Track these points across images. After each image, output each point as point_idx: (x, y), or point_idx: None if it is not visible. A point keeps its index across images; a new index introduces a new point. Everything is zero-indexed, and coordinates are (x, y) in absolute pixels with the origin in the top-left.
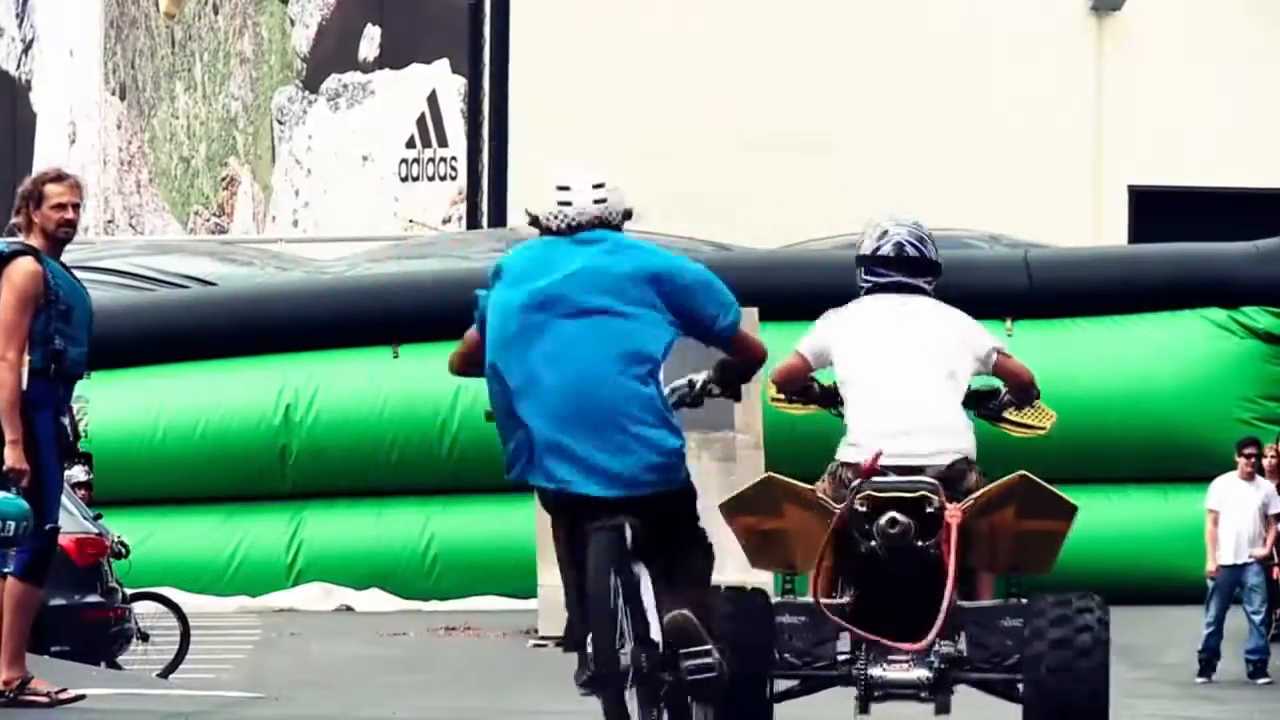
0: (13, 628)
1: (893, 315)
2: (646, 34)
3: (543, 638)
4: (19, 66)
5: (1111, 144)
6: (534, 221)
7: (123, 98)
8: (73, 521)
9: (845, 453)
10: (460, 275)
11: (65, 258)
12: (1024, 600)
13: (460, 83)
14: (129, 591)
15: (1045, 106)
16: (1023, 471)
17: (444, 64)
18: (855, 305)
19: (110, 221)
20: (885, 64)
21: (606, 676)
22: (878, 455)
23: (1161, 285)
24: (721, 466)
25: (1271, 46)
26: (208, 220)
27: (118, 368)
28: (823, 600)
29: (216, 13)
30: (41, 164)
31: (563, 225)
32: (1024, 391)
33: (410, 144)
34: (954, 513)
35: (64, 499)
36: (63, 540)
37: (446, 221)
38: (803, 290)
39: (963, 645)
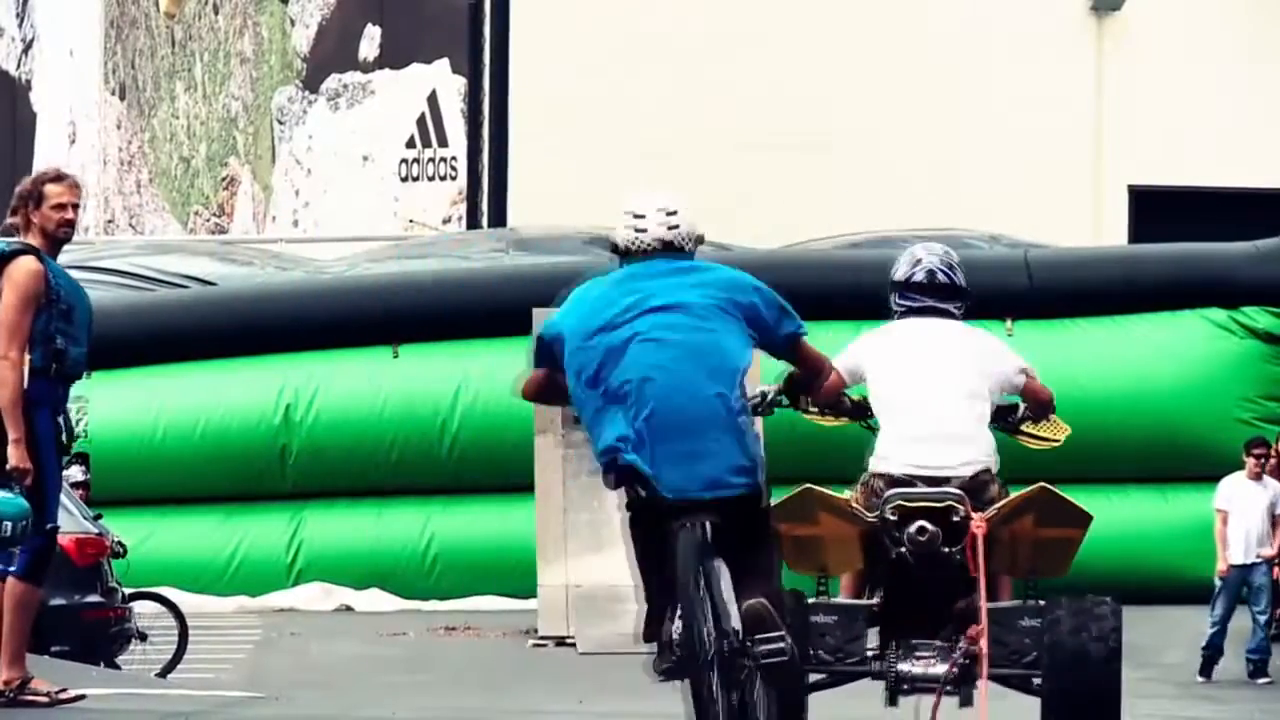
0: (13, 628)
1: (923, 337)
2: (646, 34)
3: (543, 638)
4: (19, 66)
5: (1111, 144)
6: (613, 248)
7: (123, 97)
8: (72, 521)
9: (876, 464)
10: (460, 275)
11: (65, 258)
12: (1042, 602)
13: (460, 83)
14: (126, 591)
15: (1045, 106)
16: (1042, 483)
17: (444, 64)
18: (889, 327)
19: (110, 221)
20: (885, 64)
21: (694, 661)
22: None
23: (1162, 285)
24: None
25: (1271, 46)
26: (208, 220)
27: (118, 368)
28: (853, 601)
29: (217, 13)
30: (41, 164)
31: (639, 249)
32: (1042, 408)
33: (410, 144)
34: (979, 522)
35: (64, 499)
36: (63, 540)
37: (446, 221)
38: (803, 290)
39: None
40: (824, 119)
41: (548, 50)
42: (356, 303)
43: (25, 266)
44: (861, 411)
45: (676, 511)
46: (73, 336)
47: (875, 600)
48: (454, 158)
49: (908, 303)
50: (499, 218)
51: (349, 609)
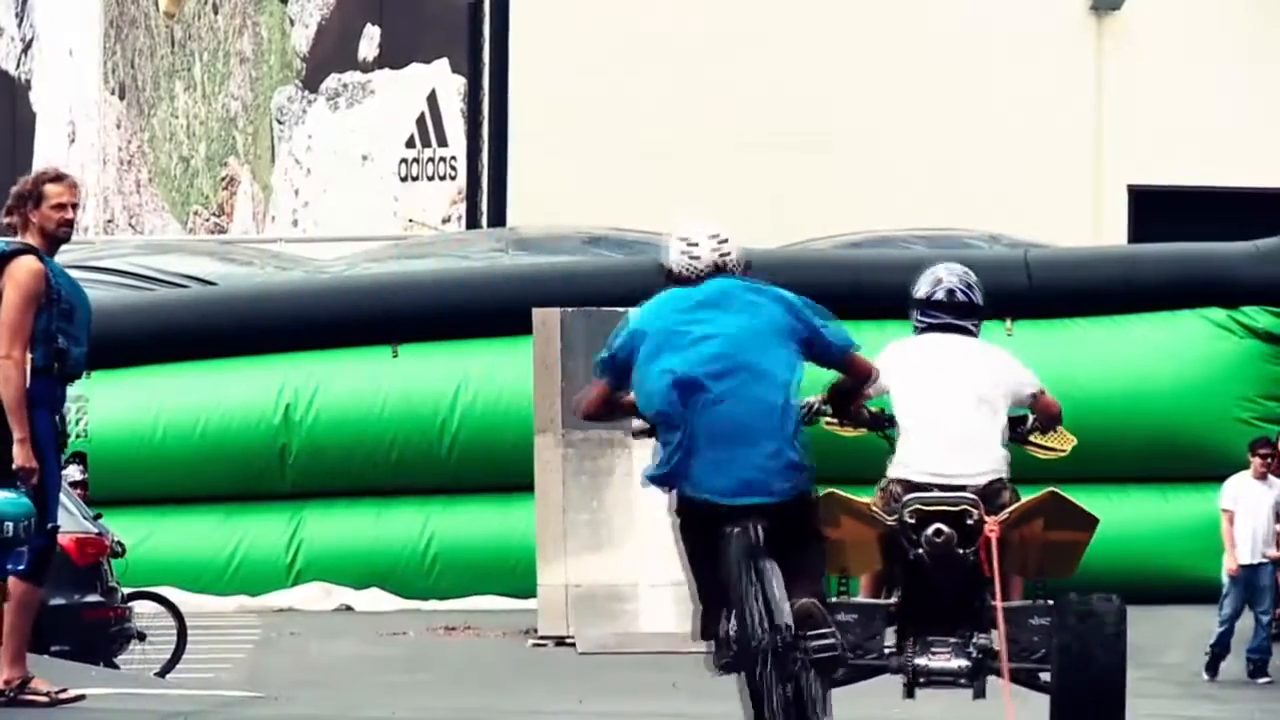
0: (14, 627)
1: (943, 352)
2: (646, 34)
3: (542, 637)
4: (18, 66)
5: (1111, 144)
6: (667, 274)
7: (122, 97)
8: (73, 521)
9: (896, 471)
10: (460, 275)
11: (64, 257)
12: (1050, 601)
13: (460, 82)
14: (125, 591)
15: (1045, 106)
16: (1051, 489)
17: (444, 64)
18: (910, 342)
19: (110, 221)
20: (885, 64)
21: (749, 655)
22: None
23: (1161, 285)
24: None
25: (1271, 46)
26: (207, 220)
27: (117, 367)
28: (872, 600)
29: (216, 12)
30: (41, 163)
31: (692, 274)
32: (1051, 420)
33: (410, 144)
34: (993, 526)
35: (64, 498)
36: (63, 540)
37: (446, 221)
38: (802, 290)
39: (996, 639)
40: (824, 119)
41: (548, 50)
42: (356, 302)
43: (27, 266)
44: (878, 422)
45: (730, 516)
46: (73, 336)
47: (893, 599)
48: (454, 157)
49: (928, 319)
50: (499, 217)
51: (349, 609)
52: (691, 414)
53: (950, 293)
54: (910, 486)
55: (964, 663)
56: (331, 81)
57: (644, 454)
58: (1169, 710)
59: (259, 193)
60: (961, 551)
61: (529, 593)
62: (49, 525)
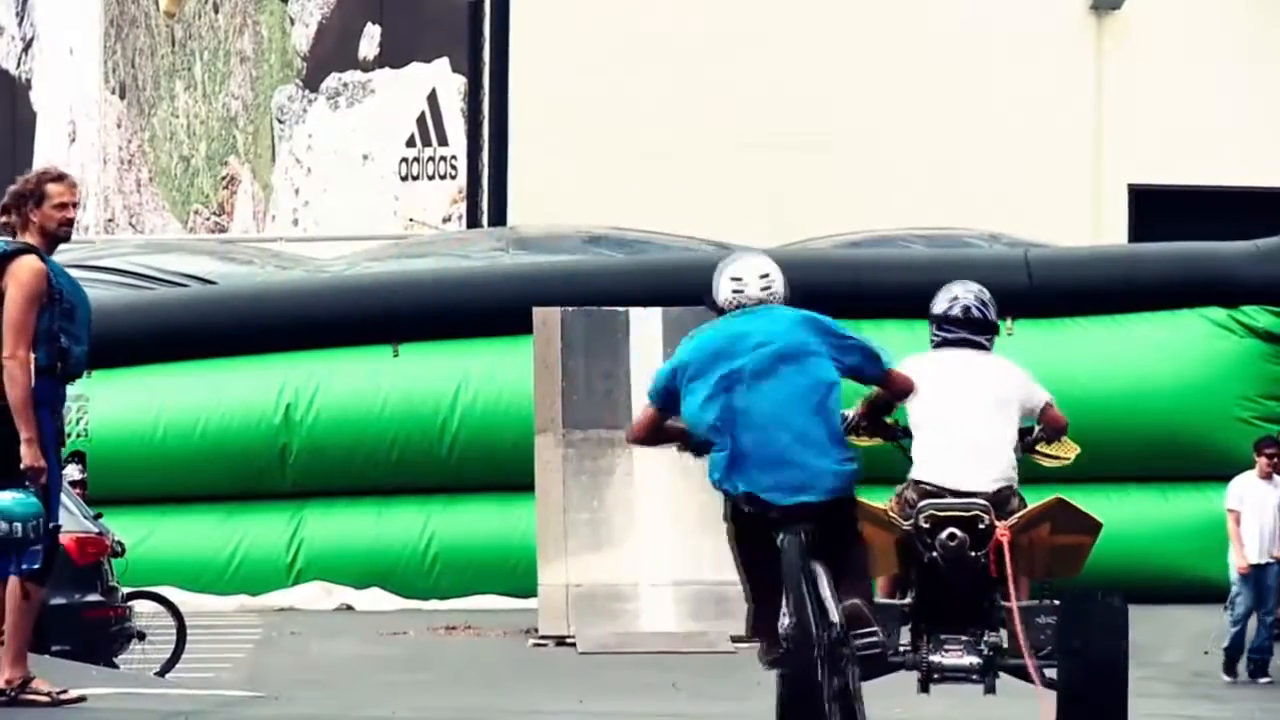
0: (15, 627)
1: (958, 366)
2: (646, 34)
3: (543, 637)
4: (19, 65)
5: (1111, 144)
6: (713, 306)
7: (122, 96)
8: (73, 521)
9: (912, 478)
10: (460, 274)
11: (64, 257)
12: (1056, 600)
13: (460, 82)
14: (125, 590)
15: (1045, 106)
16: (1058, 495)
17: (444, 63)
18: (927, 356)
19: (110, 220)
20: (885, 64)
21: (806, 650)
22: None
23: (1162, 284)
24: None
25: (1272, 46)
26: (208, 219)
27: (118, 366)
28: (889, 600)
29: (216, 11)
30: (41, 163)
31: (736, 308)
32: (1057, 432)
33: (410, 143)
34: (1003, 530)
35: (64, 498)
36: (63, 539)
37: (446, 220)
38: (802, 290)
39: (1005, 638)
40: (824, 119)
41: (548, 50)
42: (356, 302)
43: (29, 265)
44: (892, 433)
45: (781, 521)
46: (75, 335)
47: (908, 600)
48: (454, 157)
49: (944, 334)
50: (499, 217)
51: (349, 608)
52: (740, 423)
53: (966, 309)
54: (925, 493)
55: (975, 660)
56: (332, 81)
57: (644, 453)
58: (1169, 710)
59: (259, 192)
60: (973, 554)
61: (529, 592)
62: (51, 525)
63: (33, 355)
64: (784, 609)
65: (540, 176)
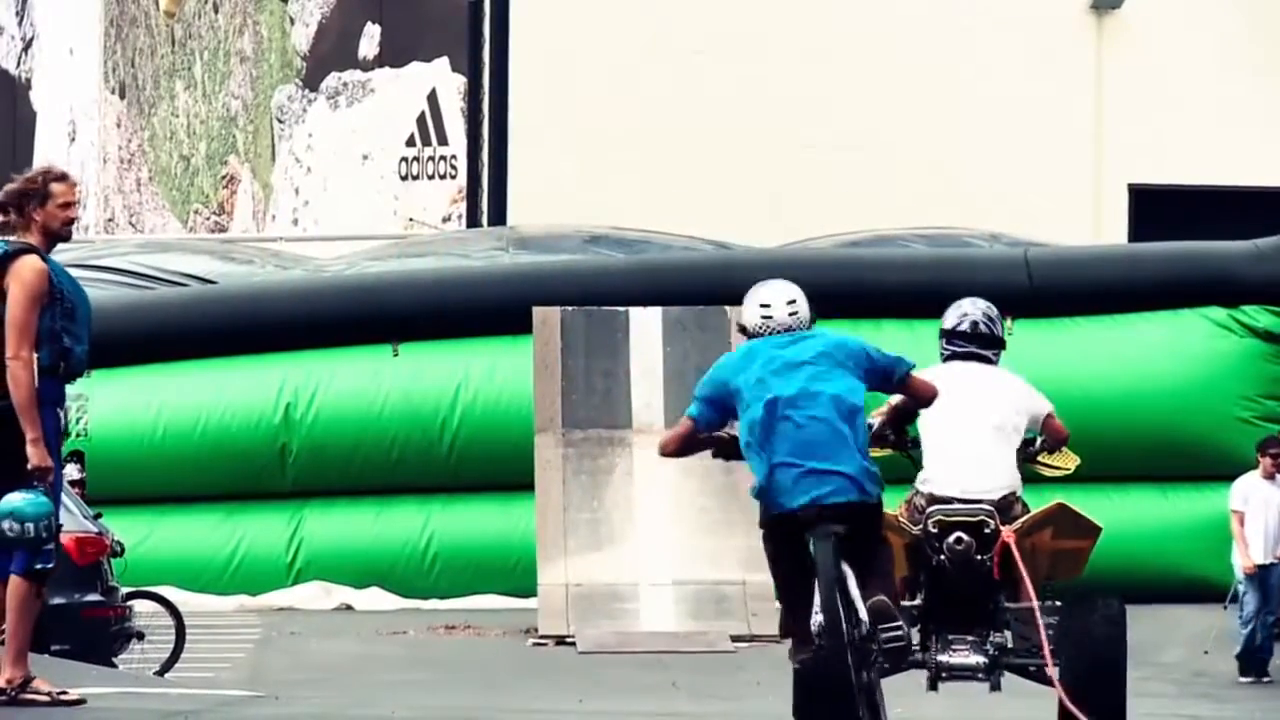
0: (15, 627)
1: (966, 379)
2: (646, 34)
3: (542, 636)
4: (19, 65)
5: (1111, 144)
6: (743, 329)
7: (122, 96)
8: (73, 520)
9: (921, 485)
10: (460, 274)
11: (64, 256)
12: (1058, 602)
13: (460, 81)
14: (124, 590)
15: (1045, 106)
16: (1059, 500)
17: (444, 62)
18: (936, 369)
19: (110, 220)
20: (885, 64)
21: (837, 646)
22: None
23: (1162, 284)
24: (725, 466)
25: (1271, 47)
26: (208, 219)
27: (118, 366)
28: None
29: (216, 11)
30: (41, 162)
31: (766, 333)
32: (1058, 443)
33: (410, 142)
34: (1008, 534)
35: (65, 498)
36: (63, 539)
37: (446, 220)
38: (803, 290)
39: (1009, 638)
40: (824, 119)
41: (548, 50)
42: (356, 301)
43: (31, 265)
44: (901, 444)
45: (811, 524)
46: (76, 335)
47: (917, 601)
48: (454, 156)
49: (953, 348)
50: (499, 216)
51: (349, 608)
52: (776, 442)
53: (974, 325)
54: (933, 499)
55: (981, 659)
56: (332, 80)
57: (643, 453)
58: (1168, 709)
59: (259, 191)
60: (979, 558)
61: (529, 592)
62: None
63: (35, 355)
64: (815, 608)
65: (540, 176)
